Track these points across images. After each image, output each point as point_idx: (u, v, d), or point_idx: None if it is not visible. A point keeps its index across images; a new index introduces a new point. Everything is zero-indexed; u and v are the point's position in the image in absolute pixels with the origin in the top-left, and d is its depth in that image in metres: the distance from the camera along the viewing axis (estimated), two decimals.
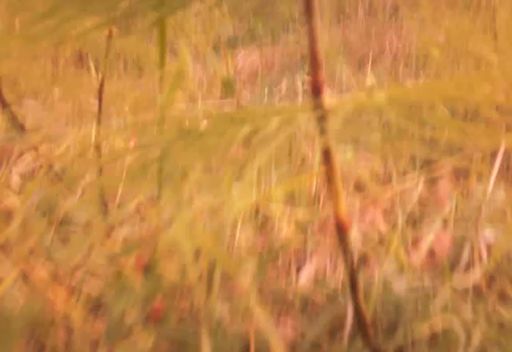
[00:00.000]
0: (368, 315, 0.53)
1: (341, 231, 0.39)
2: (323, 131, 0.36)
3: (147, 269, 0.36)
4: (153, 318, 0.33)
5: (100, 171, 0.65)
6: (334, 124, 0.34)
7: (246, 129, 0.30)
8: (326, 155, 0.37)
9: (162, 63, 0.40)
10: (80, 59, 1.53)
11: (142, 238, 0.49)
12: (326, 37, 1.88)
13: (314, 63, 0.35)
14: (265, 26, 2.01)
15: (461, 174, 0.85)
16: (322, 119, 0.36)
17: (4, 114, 0.75)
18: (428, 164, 0.91)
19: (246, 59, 1.71)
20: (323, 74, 0.35)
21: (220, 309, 0.40)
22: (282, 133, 0.30)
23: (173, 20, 1.80)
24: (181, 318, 0.41)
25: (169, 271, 0.40)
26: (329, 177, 0.37)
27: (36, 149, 0.68)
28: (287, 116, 0.31)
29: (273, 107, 0.31)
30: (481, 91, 0.31)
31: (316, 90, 0.35)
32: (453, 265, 0.58)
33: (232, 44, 1.89)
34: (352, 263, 0.40)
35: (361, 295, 0.42)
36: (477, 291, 0.53)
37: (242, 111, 0.37)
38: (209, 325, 0.38)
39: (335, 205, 0.38)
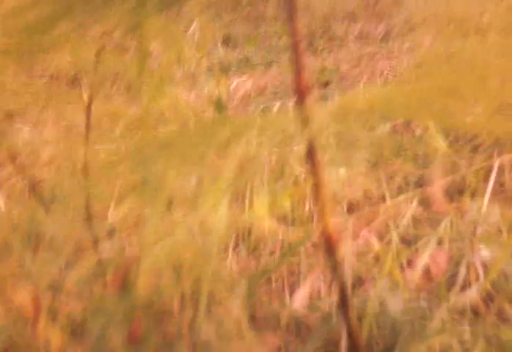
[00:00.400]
0: (363, 337, 0.51)
1: (329, 245, 0.38)
2: (307, 134, 0.35)
3: (124, 288, 0.34)
4: (131, 340, 0.31)
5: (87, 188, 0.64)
6: (317, 125, 0.33)
7: (225, 133, 0.29)
8: (311, 157, 0.36)
9: (140, 72, 0.40)
10: (75, 78, 1.53)
11: (123, 255, 0.47)
12: (318, 62, 1.90)
13: (298, 67, 0.34)
14: (258, 53, 2.04)
15: (455, 192, 0.84)
16: (305, 122, 0.35)
17: None
18: (421, 182, 0.90)
19: (239, 83, 1.72)
20: (307, 78, 0.34)
21: (206, 331, 0.38)
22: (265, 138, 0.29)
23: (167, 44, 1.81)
24: (163, 340, 0.39)
25: (147, 290, 0.38)
26: (315, 186, 0.36)
27: (22, 169, 0.66)
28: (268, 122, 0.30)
29: (255, 116, 0.30)
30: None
31: (301, 94, 0.34)
32: (449, 284, 0.56)
33: (225, 69, 1.90)
34: (342, 279, 0.39)
35: (353, 315, 0.41)
36: (474, 310, 0.51)
37: (225, 118, 0.36)
38: (193, 347, 0.36)
39: (323, 218, 0.37)
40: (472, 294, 0.50)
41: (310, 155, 0.37)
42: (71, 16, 0.32)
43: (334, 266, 0.41)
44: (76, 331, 0.43)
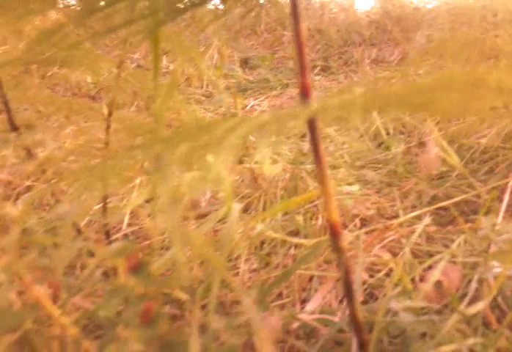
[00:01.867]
0: (373, 347, 0.50)
1: (334, 234, 0.39)
2: (312, 129, 0.36)
3: (138, 270, 0.35)
4: (143, 320, 0.32)
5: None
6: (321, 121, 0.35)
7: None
8: (315, 147, 0.37)
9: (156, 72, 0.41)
10: (97, 92, 1.58)
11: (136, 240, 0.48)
12: (334, 85, 1.92)
13: (302, 66, 0.36)
14: (274, 76, 2.07)
15: (469, 210, 0.84)
16: (311, 119, 0.36)
17: (16, 143, 0.76)
18: (435, 201, 0.90)
19: (255, 103, 1.75)
20: (309, 78, 0.36)
21: (216, 321, 0.39)
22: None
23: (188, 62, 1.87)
24: (173, 322, 0.39)
25: (159, 272, 0.39)
26: (319, 177, 0.37)
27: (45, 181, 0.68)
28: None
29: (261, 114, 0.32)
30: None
31: (304, 92, 0.36)
32: (461, 298, 0.56)
33: (242, 89, 1.94)
34: (347, 272, 0.39)
35: (363, 325, 0.41)
36: (486, 323, 0.51)
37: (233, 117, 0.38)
38: (202, 332, 0.36)
39: (327, 208, 0.37)
40: (483, 306, 0.50)
41: (316, 158, 0.38)
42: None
43: (338, 251, 0.41)
44: (93, 325, 0.44)
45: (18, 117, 1.04)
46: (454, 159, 0.76)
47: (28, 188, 1.09)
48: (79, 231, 0.63)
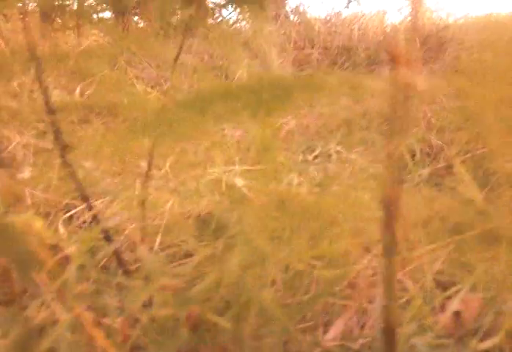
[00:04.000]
0: None
1: (388, 340, 0.40)
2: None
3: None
4: (189, 324, 0.35)
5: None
6: None
7: None
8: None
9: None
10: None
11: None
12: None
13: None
14: None
15: (491, 240, 0.85)
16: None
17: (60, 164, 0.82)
18: (458, 229, 0.91)
19: (283, 122, 1.79)
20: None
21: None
22: None
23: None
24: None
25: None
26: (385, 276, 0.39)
27: (88, 205, 0.73)
28: None
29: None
30: None
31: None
32: (478, 329, 0.58)
33: None
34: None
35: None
36: None
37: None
38: None
39: (386, 312, 0.39)
40: (497, 340, 0.52)
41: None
42: None
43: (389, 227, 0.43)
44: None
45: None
46: (475, 193, 0.77)
47: (67, 206, 1.16)
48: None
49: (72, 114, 1.77)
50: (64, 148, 0.62)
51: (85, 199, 0.65)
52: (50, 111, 0.60)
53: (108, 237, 0.66)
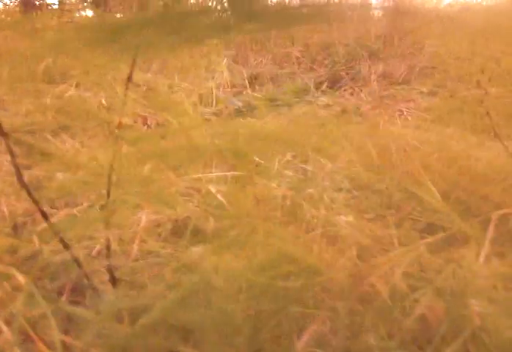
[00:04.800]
0: None
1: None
2: None
3: None
4: None
5: None
6: None
7: None
8: None
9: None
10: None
11: None
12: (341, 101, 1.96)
13: None
14: (282, 93, 2.11)
15: (456, 241, 0.87)
16: None
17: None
18: (431, 226, 0.93)
19: (263, 122, 1.79)
20: None
21: None
22: None
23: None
24: None
25: None
26: None
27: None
28: None
29: None
30: None
31: None
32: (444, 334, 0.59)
33: (252, 108, 1.98)
34: None
35: None
36: None
37: None
38: None
39: None
40: (460, 343, 0.53)
41: None
42: None
43: None
44: None
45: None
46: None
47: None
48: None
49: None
50: (17, 169, 0.62)
51: (44, 215, 0.66)
52: (2, 133, 0.61)
53: (66, 245, 0.66)
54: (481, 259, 0.68)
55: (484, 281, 0.64)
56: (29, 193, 0.63)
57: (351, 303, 0.78)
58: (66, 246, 0.66)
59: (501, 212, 0.75)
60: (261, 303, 0.76)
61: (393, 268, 0.86)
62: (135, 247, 1.00)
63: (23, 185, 0.62)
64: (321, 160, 1.32)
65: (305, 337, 0.70)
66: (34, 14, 3.93)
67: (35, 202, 0.64)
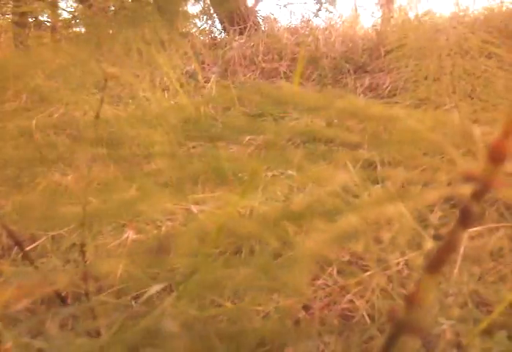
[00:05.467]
0: None
1: None
2: None
3: None
4: None
5: None
6: None
7: None
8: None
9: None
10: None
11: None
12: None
13: None
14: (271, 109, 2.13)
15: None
16: None
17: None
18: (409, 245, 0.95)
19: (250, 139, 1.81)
20: None
21: None
22: None
23: None
24: None
25: None
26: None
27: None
28: None
29: None
30: None
31: None
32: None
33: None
34: None
35: None
36: None
37: None
38: None
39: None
40: None
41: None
42: None
43: None
44: None
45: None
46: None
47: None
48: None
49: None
50: None
51: (18, 244, 0.67)
52: None
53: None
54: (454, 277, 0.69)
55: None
56: (8, 231, 0.65)
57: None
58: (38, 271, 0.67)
59: None
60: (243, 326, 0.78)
61: (372, 284, 0.88)
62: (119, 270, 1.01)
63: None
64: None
65: None
66: (27, 32, 3.95)
67: (13, 236, 0.66)
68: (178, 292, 0.62)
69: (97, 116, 0.73)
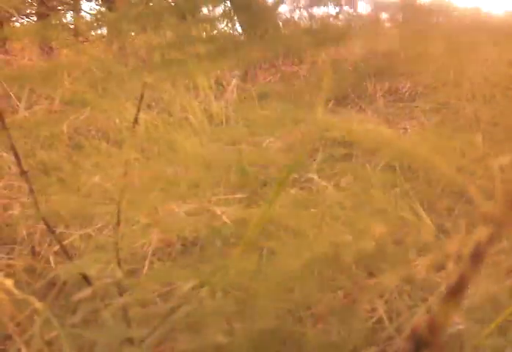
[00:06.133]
0: None
1: None
2: None
3: None
4: None
5: None
6: None
7: None
8: None
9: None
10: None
11: None
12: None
13: None
14: (288, 110, 2.16)
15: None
16: None
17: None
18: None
19: (270, 142, 1.85)
20: None
21: None
22: None
23: None
24: None
25: None
26: None
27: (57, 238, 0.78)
28: None
29: None
30: None
31: None
32: None
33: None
34: None
35: None
36: None
37: None
38: None
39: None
40: None
41: None
42: None
43: None
44: None
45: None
46: None
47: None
48: None
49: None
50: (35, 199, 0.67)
51: (58, 240, 0.71)
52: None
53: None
54: None
55: None
56: (45, 222, 0.69)
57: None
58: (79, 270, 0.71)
59: None
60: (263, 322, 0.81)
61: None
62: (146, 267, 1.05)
63: (40, 213, 0.68)
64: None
65: None
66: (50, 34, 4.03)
67: (50, 229, 0.70)
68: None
69: (135, 122, 0.77)
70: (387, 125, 1.85)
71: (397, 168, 1.47)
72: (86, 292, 0.49)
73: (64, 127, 1.65)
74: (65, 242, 1.12)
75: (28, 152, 1.40)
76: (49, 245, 1.02)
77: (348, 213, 1.16)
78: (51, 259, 0.91)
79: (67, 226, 1.17)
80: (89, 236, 1.16)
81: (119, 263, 0.91)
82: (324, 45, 2.32)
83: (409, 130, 1.68)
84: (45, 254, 1.00)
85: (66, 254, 0.72)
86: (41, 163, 1.50)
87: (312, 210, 1.14)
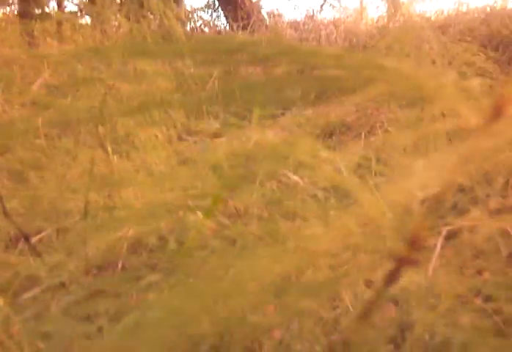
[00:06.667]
0: None
1: None
2: None
3: None
4: None
5: None
6: None
7: None
8: None
9: None
10: None
11: None
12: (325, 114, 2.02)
13: None
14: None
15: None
16: None
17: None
18: None
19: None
20: None
21: None
22: None
23: None
24: None
25: None
26: None
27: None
28: None
29: None
30: None
31: None
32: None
33: None
34: None
35: None
36: None
37: None
38: None
39: None
40: None
41: None
42: None
43: None
44: None
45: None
46: None
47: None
48: None
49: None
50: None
51: (24, 236, 0.72)
52: None
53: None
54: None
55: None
56: (12, 222, 0.70)
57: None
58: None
59: None
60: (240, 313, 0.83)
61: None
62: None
63: (6, 214, 0.69)
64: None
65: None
66: (33, 23, 3.96)
67: (18, 228, 0.71)
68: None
69: (100, 110, 0.77)
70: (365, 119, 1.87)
71: None
72: (35, 291, 0.51)
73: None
74: (38, 237, 1.12)
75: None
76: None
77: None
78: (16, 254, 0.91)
79: (46, 220, 1.18)
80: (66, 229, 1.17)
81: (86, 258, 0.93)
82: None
83: (385, 124, 1.71)
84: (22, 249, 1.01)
85: (34, 249, 0.73)
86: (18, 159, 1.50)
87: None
